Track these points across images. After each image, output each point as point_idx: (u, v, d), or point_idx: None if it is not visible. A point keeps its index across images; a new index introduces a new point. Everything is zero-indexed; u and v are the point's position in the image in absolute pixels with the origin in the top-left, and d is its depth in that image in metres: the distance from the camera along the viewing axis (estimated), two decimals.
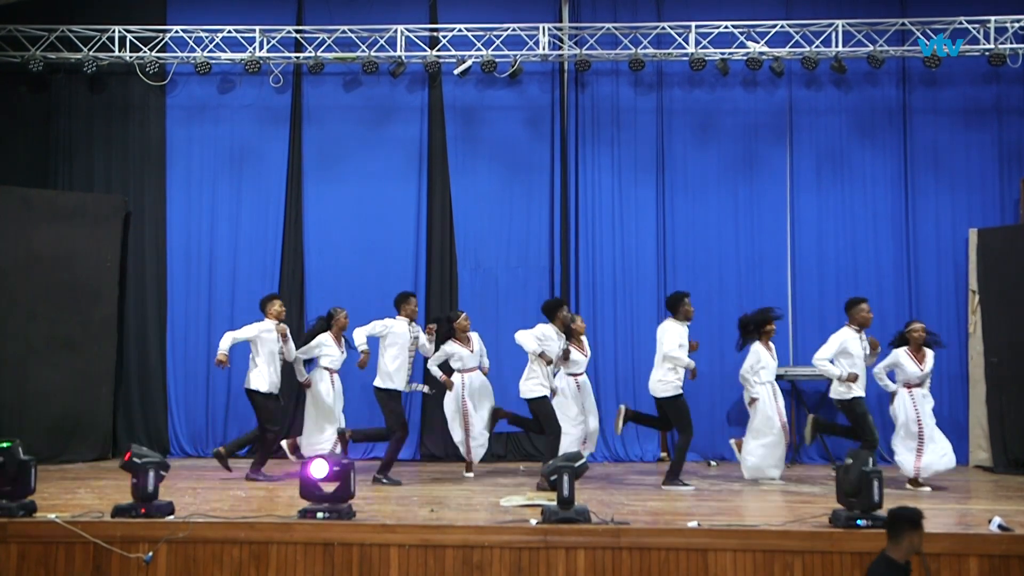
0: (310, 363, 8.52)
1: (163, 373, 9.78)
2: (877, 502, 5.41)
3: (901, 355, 7.73)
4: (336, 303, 8.74)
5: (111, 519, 5.63)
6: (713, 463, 9.21)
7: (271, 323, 8.16)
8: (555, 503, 5.62)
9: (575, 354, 8.21)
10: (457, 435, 8.41)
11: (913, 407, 7.66)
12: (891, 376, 7.88)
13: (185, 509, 5.97)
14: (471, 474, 8.40)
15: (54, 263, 9.19)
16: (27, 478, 5.72)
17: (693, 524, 5.57)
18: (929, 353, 7.77)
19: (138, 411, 9.75)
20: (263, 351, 8.06)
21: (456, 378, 8.35)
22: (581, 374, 8.39)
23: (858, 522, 5.40)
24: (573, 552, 5.40)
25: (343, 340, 8.43)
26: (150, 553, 5.45)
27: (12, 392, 8.95)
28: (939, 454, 7.60)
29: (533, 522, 5.61)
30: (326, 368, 8.36)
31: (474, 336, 8.46)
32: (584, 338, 8.50)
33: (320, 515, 5.57)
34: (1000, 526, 5.47)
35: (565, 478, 5.58)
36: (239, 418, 9.57)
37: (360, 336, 7.87)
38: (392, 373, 7.89)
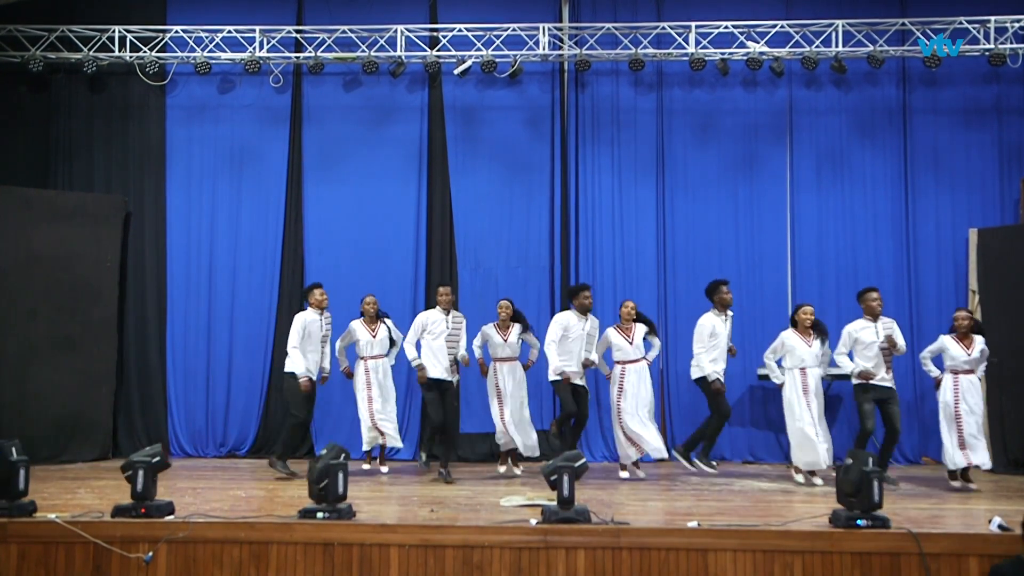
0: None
1: (163, 373, 9.78)
2: (877, 502, 5.41)
3: (947, 340, 7.70)
4: (336, 303, 8.72)
5: (111, 519, 5.63)
6: (713, 463, 9.17)
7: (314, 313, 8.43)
8: (555, 503, 5.62)
9: (615, 336, 8.20)
10: (495, 417, 8.38)
11: (954, 393, 7.62)
12: (939, 362, 7.81)
13: (185, 509, 5.97)
14: (504, 468, 8.42)
15: (54, 263, 9.19)
16: (16, 480, 5.68)
17: (693, 524, 5.56)
18: (978, 339, 7.70)
19: (138, 411, 9.75)
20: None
21: (492, 364, 8.38)
22: (631, 361, 8.15)
23: (858, 522, 5.40)
24: (573, 552, 5.40)
25: (377, 327, 8.46)
26: (150, 553, 5.45)
27: (12, 392, 8.94)
28: (981, 451, 7.53)
29: (533, 522, 5.61)
30: (361, 357, 8.41)
31: (514, 328, 8.35)
32: (636, 325, 8.24)
33: (320, 515, 5.58)
34: (1000, 526, 5.47)
35: (565, 478, 5.58)
36: (239, 417, 9.61)
37: (411, 350, 8.18)
38: (431, 361, 8.09)
